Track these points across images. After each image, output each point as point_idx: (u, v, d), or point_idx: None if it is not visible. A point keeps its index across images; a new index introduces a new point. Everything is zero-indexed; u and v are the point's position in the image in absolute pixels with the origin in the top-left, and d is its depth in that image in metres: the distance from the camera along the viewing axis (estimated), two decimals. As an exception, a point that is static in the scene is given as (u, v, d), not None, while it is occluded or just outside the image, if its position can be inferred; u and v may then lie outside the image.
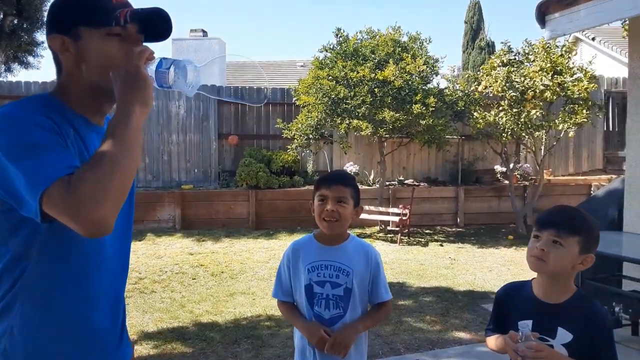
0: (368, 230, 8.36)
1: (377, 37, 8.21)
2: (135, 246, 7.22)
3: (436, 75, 8.43)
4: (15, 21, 12.68)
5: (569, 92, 7.79)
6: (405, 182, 9.59)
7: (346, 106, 7.63)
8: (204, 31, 14.34)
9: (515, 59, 8.40)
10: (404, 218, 7.65)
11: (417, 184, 9.49)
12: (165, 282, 5.46)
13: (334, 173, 1.93)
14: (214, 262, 6.34)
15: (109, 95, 1.11)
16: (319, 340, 1.67)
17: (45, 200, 0.95)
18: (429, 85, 8.17)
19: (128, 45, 1.12)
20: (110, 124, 1.04)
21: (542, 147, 8.65)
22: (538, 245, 1.47)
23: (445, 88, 8.48)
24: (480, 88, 8.36)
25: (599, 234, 1.51)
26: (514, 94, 7.88)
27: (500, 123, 7.99)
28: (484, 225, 8.99)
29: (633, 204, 4.08)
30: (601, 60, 9.78)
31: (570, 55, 8.22)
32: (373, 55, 7.95)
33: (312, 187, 8.16)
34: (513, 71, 8.02)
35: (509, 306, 1.59)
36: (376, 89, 7.56)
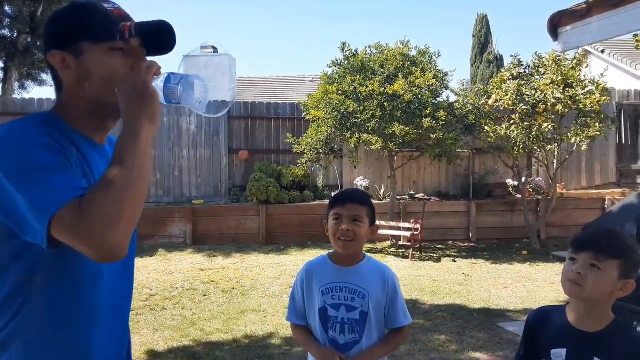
0: (379, 246, 8.28)
1: (386, 51, 8.22)
2: (147, 262, 7.21)
3: (446, 89, 8.42)
4: (29, 39, 12.90)
5: (581, 105, 7.72)
6: (416, 196, 9.52)
7: (356, 120, 7.62)
8: (214, 47, 14.46)
9: (525, 72, 8.36)
10: (415, 233, 7.57)
11: (428, 198, 9.41)
12: (176, 299, 5.43)
13: (348, 191, 1.89)
14: (224, 278, 6.31)
15: (113, 112, 1.08)
16: None
17: (54, 225, 0.91)
18: (438, 99, 8.15)
19: (132, 59, 1.09)
20: (119, 142, 1.00)
21: (555, 161, 8.55)
22: (574, 269, 1.38)
23: (455, 102, 8.45)
24: (490, 102, 8.32)
25: None
26: (525, 107, 7.82)
27: (512, 136, 7.93)
28: (496, 240, 8.87)
29: (652, 219, 3.99)
30: (611, 72, 9.70)
31: (581, 67, 8.16)
32: (382, 70, 7.96)
33: (322, 202, 8.10)
34: (523, 84, 7.98)
35: (540, 332, 1.50)
36: (386, 103, 7.55)
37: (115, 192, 0.93)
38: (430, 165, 9.62)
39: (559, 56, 8.07)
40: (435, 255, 7.76)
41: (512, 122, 8.04)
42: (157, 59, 1.15)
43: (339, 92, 7.82)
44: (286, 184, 8.95)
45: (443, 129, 7.50)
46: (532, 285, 5.89)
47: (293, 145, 8.47)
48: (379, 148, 7.89)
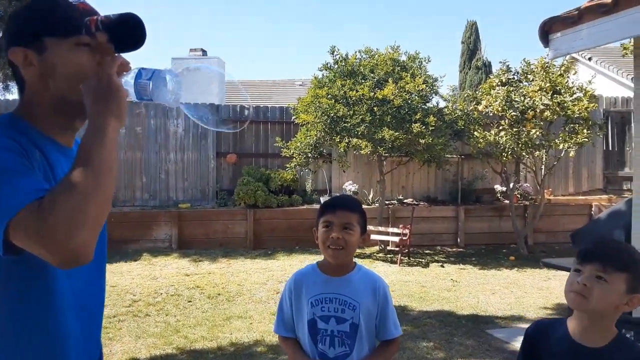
0: (367, 251, 8.23)
1: (376, 56, 8.20)
2: (131, 267, 7.07)
3: (435, 95, 8.42)
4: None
5: (569, 111, 7.77)
6: (405, 201, 9.49)
7: (345, 125, 7.57)
8: (203, 50, 14.37)
9: (514, 78, 8.40)
10: (404, 238, 7.53)
11: (416, 203, 9.39)
12: (160, 305, 5.31)
13: (339, 197, 1.82)
14: (210, 283, 6.20)
15: (80, 111, 1.01)
16: None
17: (12, 229, 0.84)
18: (428, 104, 8.15)
19: (100, 56, 1.03)
20: (84, 140, 0.94)
21: (543, 167, 8.59)
22: (580, 280, 1.32)
23: (445, 107, 8.45)
24: (480, 107, 8.33)
25: None
26: (514, 113, 7.85)
27: (501, 142, 7.94)
28: (484, 245, 8.86)
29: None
30: (598, 80, 9.78)
31: (569, 74, 8.21)
32: (372, 75, 7.93)
33: (311, 207, 8.00)
34: (512, 91, 8.01)
35: (540, 346, 1.43)
36: (375, 108, 7.52)
37: (79, 193, 0.86)
38: (419, 170, 9.60)
39: (547, 63, 8.12)
40: (423, 260, 7.73)
41: (501, 128, 8.06)
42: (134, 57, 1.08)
43: (329, 96, 7.77)
44: (274, 188, 8.87)
45: (432, 134, 7.49)
46: (520, 292, 5.87)
47: (282, 149, 8.40)
48: (369, 153, 7.86)
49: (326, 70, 8.31)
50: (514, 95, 7.92)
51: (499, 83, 8.31)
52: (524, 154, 8.16)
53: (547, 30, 4.06)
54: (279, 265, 7.22)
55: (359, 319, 1.61)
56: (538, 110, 7.72)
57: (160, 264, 7.28)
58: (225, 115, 9.64)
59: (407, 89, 7.60)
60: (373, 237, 7.75)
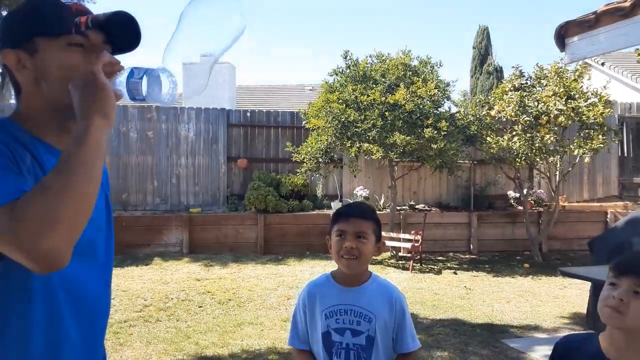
0: (379, 257, 8.15)
1: (388, 61, 8.16)
2: (142, 271, 7.08)
3: (447, 99, 8.35)
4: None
5: (583, 117, 7.65)
6: (417, 207, 9.41)
7: (356, 129, 7.53)
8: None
9: (527, 83, 8.31)
10: (416, 244, 7.45)
11: (428, 209, 9.31)
12: (171, 310, 5.29)
13: (353, 205, 1.78)
14: (221, 288, 6.17)
15: (73, 112, 0.97)
16: None
17: None
18: (440, 109, 8.08)
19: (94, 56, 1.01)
20: (70, 140, 0.91)
21: (557, 173, 8.46)
22: (616, 295, 1.25)
23: (457, 112, 8.37)
24: (493, 112, 8.25)
25: None
26: (528, 118, 7.75)
27: (514, 148, 7.85)
28: (498, 252, 8.75)
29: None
30: (612, 85, 9.65)
31: (582, 79, 8.10)
32: (383, 79, 7.89)
33: (321, 212, 7.92)
34: (525, 96, 7.92)
35: None
36: (387, 113, 7.47)
37: (53, 192, 0.83)
38: (431, 176, 9.52)
39: (561, 68, 8.02)
40: (435, 267, 7.64)
41: (514, 133, 7.96)
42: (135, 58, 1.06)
43: (340, 100, 7.74)
44: (285, 193, 8.84)
45: (444, 140, 7.42)
46: (535, 300, 5.77)
47: (292, 154, 8.38)
48: (380, 158, 7.80)
49: (337, 75, 8.29)
50: (527, 100, 7.83)
51: (512, 88, 8.22)
52: (537, 159, 8.05)
53: (564, 34, 4.00)
54: (289, 271, 7.18)
55: (375, 331, 1.56)
56: (552, 116, 7.61)
57: (171, 269, 7.28)
58: (236, 121, 9.66)
59: (418, 93, 7.54)
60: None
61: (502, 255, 8.56)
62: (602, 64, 13.41)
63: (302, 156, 8.18)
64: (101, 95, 0.94)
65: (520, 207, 8.87)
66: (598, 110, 7.60)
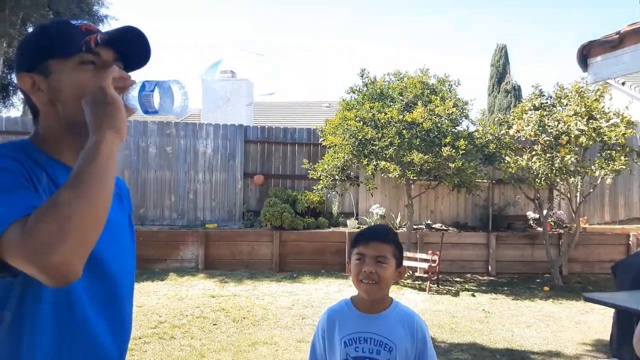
0: (395, 276, 8.03)
1: (405, 79, 8.16)
2: (158, 286, 7.08)
3: (466, 118, 8.29)
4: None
5: (605, 137, 7.51)
6: (433, 226, 9.30)
7: (373, 147, 7.51)
8: (232, 72, 14.65)
9: (547, 102, 8.21)
10: (433, 265, 7.34)
11: (445, 228, 9.19)
12: (185, 327, 5.27)
13: (372, 228, 1.74)
14: (235, 306, 6.14)
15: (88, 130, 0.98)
16: None
17: (3, 246, 0.82)
18: (458, 128, 8.02)
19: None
20: (80, 154, 0.92)
21: (578, 194, 8.30)
22: None
23: (475, 131, 8.30)
24: (512, 132, 8.15)
25: None
26: (548, 138, 7.64)
27: (534, 168, 7.72)
28: (517, 274, 8.56)
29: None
30: (633, 105, 9.48)
31: (604, 99, 7.96)
32: (401, 97, 7.88)
33: (337, 229, 7.86)
34: (545, 115, 7.82)
35: None
36: (404, 131, 7.44)
37: (64, 206, 0.83)
38: (449, 195, 9.42)
39: (582, 87, 7.92)
40: (453, 288, 7.50)
41: (533, 153, 7.85)
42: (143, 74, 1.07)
43: (357, 118, 7.74)
44: (301, 210, 8.82)
45: (462, 158, 7.34)
46: (556, 325, 5.61)
47: (309, 171, 8.37)
48: (397, 176, 7.75)
49: (354, 92, 8.31)
50: (547, 119, 7.73)
51: (532, 107, 8.12)
52: (558, 180, 7.90)
53: (586, 54, 3.96)
54: (304, 290, 7.11)
55: (395, 361, 1.51)
56: (573, 136, 7.49)
57: (187, 285, 7.28)
58: (253, 137, 9.72)
59: (436, 112, 7.51)
60: (401, 262, 7.58)
61: (522, 278, 8.37)
62: (623, 84, 13.17)
63: (319, 173, 8.17)
64: (111, 109, 0.95)
65: (540, 229, 8.70)
66: (620, 131, 7.46)
